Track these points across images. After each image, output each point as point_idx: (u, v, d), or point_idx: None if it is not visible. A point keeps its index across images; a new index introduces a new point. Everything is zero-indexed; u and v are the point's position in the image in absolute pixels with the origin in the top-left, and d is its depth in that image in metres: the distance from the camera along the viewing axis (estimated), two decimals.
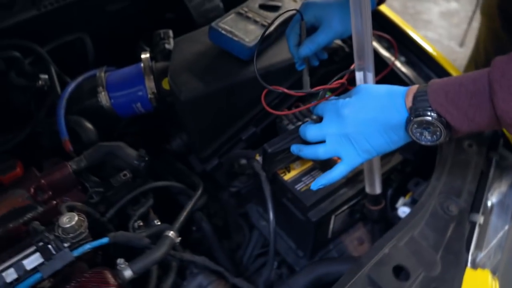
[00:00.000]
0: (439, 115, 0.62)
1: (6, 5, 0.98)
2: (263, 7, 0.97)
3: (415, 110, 0.64)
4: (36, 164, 0.90)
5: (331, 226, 0.92)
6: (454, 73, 1.03)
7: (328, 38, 0.83)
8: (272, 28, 0.93)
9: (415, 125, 0.64)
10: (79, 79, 0.97)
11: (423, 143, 0.66)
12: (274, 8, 0.97)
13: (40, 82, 0.98)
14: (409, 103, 0.65)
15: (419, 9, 3.15)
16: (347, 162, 0.71)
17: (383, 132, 0.68)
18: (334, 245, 1.00)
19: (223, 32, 0.90)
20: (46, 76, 0.98)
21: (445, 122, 0.63)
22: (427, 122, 0.63)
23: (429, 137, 0.65)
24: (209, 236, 0.94)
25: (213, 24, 0.92)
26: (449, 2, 3.22)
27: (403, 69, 1.03)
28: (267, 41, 0.93)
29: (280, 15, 0.85)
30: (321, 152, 0.72)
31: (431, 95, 0.63)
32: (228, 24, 0.92)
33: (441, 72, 1.03)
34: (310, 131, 0.73)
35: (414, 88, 0.66)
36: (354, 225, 1.01)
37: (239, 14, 0.95)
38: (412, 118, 0.64)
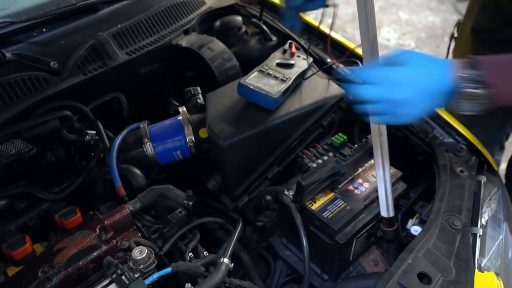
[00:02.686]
0: (488, 87, 0.68)
1: (57, 72, 1.12)
2: (280, 65, 1.15)
3: (466, 81, 0.69)
4: (89, 209, 1.01)
5: (353, 248, 1.06)
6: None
7: None
8: (290, 82, 1.11)
9: (462, 97, 0.71)
10: (124, 132, 1.11)
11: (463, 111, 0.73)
12: (289, 66, 1.16)
13: (87, 137, 1.10)
14: (458, 73, 0.70)
15: None
16: None
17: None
18: (353, 267, 1.13)
19: (251, 87, 1.06)
20: (94, 132, 1.10)
21: (492, 94, 0.69)
22: (476, 94, 0.70)
23: (470, 107, 0.72)
24: (248, 265, 1.05)
25: (241, 81, 1.08)
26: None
27: None
28: (287, 93, 1.11)
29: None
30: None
31: (485, 69, 0.69)
32: (254, 80, 1.09)
33: None
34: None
35: (461, 61, 0.72)
36: (369, 249, 1.15)
37: (261, 71, 1.12)
38: (460, 89, 0.70)
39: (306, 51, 1.23)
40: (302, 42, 1.37)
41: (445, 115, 1.22)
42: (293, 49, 1.23)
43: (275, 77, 1.11)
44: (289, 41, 1.27)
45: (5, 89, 1.04)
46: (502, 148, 1.82)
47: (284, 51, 1.23)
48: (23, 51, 1.12)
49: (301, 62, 1.19)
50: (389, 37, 3.67)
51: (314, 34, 1.34)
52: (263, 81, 1.09)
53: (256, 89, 1.06)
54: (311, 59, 1.22)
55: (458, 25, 1.63)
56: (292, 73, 1.14)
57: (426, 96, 0.72)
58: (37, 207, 1.04)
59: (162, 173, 1.24)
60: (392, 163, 1.10)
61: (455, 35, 1.62)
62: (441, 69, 0.72)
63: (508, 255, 1.03)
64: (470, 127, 1.68)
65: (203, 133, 1.09)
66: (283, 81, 1.10)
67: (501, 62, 0.71)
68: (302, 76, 1.17)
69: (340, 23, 3.94)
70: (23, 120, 1.03)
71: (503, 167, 1.71)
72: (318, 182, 0.96)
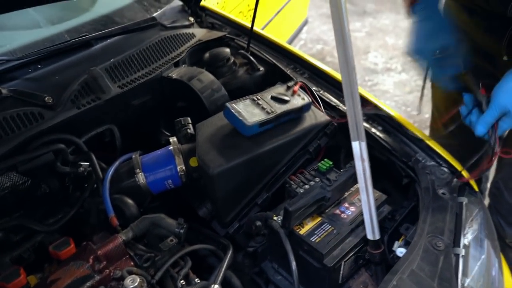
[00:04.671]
0: None
1: (51, 106, 1.16)
2: (274, 98, 1.19)
3: None
4: (83, 239, 1.03)
5: (341, 271, 1.08)
6: (419, 134, 1.28)
7: None
8: (272, 116, 1.14)
9: None
10: (116, 163, 1.14)
11: None
12: (283, 101, 1.18)
13: (80, 169, 1.13)
14: None
15: (376, 81, 3.57)
16: None
17: None
18: None
19: (232, 110, 1.11)
20: (87, 164, 1.14)
21: None
22: None
23: None
24: None
25: (227, 103, 1.13)
26: (400, 74, 3.68)
27: (381, 135, 1.27)
28: (266, 126, 1.14)
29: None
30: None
31: None
32: (240, 106, 1.13)
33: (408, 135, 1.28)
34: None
35: None
36: (358, 271, 1.18)
37: (253, 100, 1.16)
38: None
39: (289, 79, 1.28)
40: (288, 72, 1.43)
41: (426, 139, 1.27)
42: (296, 88, 1.24)
43: (262, 108, 1.15)
44: (297, 80, 1.30)
45: (1, 125, 1.08)
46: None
47: (288, 88, 1.25)
48: (19, 87, 1.16)
49: (297, 101, 1.20)
50: (376, 61, 3.78)
51: None
52: (249, 109, 1.13)
53: (236, 113, 1.10)
54: (309, 100, 1.23)
55: None
56: (281, 109, 1.16)
57: None
58: (31, 239, 1.06)
59: (154, 202, 1.27)
60: (378, 187, 1.14)
61: None
62: None
63: (491, 273, 1.06)
64: (459, 146, 1.74)
65: (193, 162, 1.13)
66: (267, 113, 1.13)
67: None
68: (294, 113, 1.19)
69: (328, 48, 4.05)
70: (18, 154, 1.06)
71: None
72: (305, 207, 0.99)
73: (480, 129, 1.04)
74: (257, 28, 1.65)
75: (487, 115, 1.03)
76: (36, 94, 1.15)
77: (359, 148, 0.97)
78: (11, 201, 1.13)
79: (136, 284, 0.85)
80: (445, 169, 1.20)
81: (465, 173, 1.18)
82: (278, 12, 2.67)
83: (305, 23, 3.59)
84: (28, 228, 1.06)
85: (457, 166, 1.21)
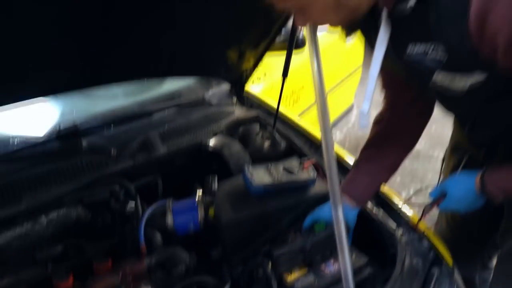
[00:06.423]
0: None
1: (114, 157, 1.54)
2: (285, 169, 1.47)
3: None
4: (119, 259, 1.33)
5: None
6: (407, 211, 1.47)
7: None
8: (276, 182, 1.42)
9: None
10: (153, 206, 1.46)
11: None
12: (291, 173, 1.45)
13: (128, 208, 1.47)
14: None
15: (416, 167, 3.71)
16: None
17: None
18: None
19: (247, 172, 1.41)
20: (133, 204, 1.47)
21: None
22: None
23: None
24: None
25: (246, 165, 1.44)
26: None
27: (374, 209, 1.49)
28: (270, 189, 1.41)
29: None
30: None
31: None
32: (255, 170, 1.43)
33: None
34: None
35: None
36: None
37: (267, 167, 1.46)
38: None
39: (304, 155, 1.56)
40: (304, 149, 1.72)
41: (413, 219, 1.46)
42: (306, 164, 1.50)
43: (272, 175, 1.44)
44: (310, 158, 1.60)
45: (78, 167, 1.46)
46: (485, 267, 1.93)
47: (301, 163, 1.52)
48: (94, 141, 1.57)
49: (303, 175, 1.46)
50: (419, 148, 3.94)
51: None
52: (260, 174, 1.42)
53: (248, 175, 1.40)
54: (314, 176, 1.48)
55: None
56: (286, 178, 1.42)
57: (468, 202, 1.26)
58: (83, 255, 1.38)
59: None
60: (377, 258, 1.34)
61: None
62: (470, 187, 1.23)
63: None
64: (452, 246, 1.86)
65: (211, 212, 1.42)
66: (274, 180, 1.42)
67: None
68: (297, 184, 1.44)
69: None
70: (84, 190, 1.43)
71: None
72: (289, 255, 1.23)
73: (431, 193, 1.36)
74: (292, 114, 1.98)
75: (438, 187, 1.33)
76: (105, 147, 1.55)
77: (336, 213, 1.21)
78: (75, 231, 1.48)
79: None
80: (425, 244, 1.37)
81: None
82: None
83: (351, 108, 3.91)
84: (82, 247, 1.39)
85: (436, 243, 1.38)
